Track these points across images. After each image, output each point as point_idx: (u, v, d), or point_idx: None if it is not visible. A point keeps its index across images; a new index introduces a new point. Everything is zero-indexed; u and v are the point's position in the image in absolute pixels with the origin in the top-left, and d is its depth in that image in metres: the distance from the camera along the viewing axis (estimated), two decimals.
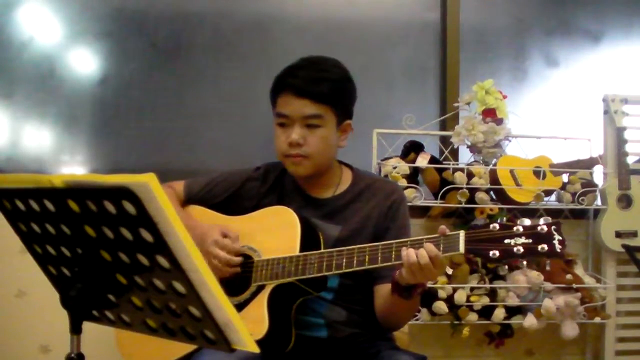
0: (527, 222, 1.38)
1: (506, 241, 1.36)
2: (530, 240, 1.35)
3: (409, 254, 1.40)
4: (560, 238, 1.35)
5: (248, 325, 1.50)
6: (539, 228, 1.35)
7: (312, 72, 1.64)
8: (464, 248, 1.37)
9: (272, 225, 1.65)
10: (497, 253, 1.36)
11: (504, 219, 1.40)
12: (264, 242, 1.63)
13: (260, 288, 1.58)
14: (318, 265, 1.52)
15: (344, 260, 1.50)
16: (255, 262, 1.61)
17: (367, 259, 1.48)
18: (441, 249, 1.40)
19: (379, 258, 1.47)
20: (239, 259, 1.61)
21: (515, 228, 1.36)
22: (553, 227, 1.35)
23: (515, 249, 1.35)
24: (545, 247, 1.34)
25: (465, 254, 1.41)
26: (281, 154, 1.69)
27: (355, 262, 1.49)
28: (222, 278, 1.64)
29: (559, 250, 1.34)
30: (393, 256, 1.45)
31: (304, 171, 1.68)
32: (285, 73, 1.67)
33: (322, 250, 1.55)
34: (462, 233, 1.38)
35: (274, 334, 1.51)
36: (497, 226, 1.38)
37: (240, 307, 1.58)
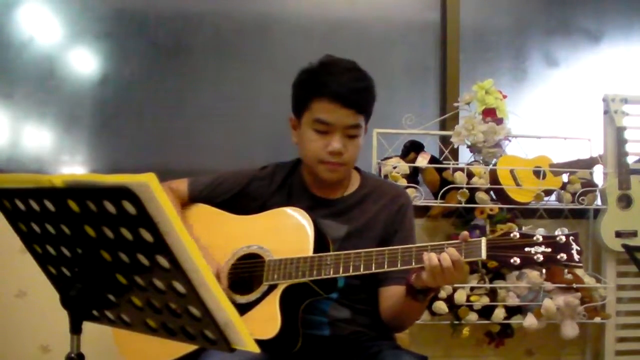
0: (542, 231, 1.42)
1: (527, 249, 1.41)
2: (550, 249, 1.40)
3: (431, 257, 1.42)
4: (578, 248, 1.40)
5: (259, 324, 1.51)
6: (557, 238, 1.40)
7: (356, 82, 1.64)
8: (486, 254, 1.41)
9: (283, 225, 1.65)
10: (518, 260, 1.41)
11: (522, 227, 1.44)
12: (275, 242, 1.63)
13: (272, 287, 1.58)
14: (335, 266, 1.52)
15: (362, 262, 1.51)
16: (267, 261, 1.61)
17: (386, 262, 1.49)
18: (463, 254, 1.42)
19: (399, 261, 1.48)
20: None
21: (535, 237, 1.41)
22: (571, 237, 1.40)
23: (535, 257, 1.40)
24: (565, 256, 1.39)
25: (486, 260, 1.45)
26: (316, 160, 1.67)
27: (373, 264, 1.50)
28: (231, 277, 1.64)
29: (577, 259, 1.39)
30: (414, 260, 1.46)
31: (339, 177, 1.71)
32: (326, 76, 1.64)
33: (338, 252, 1.56)
34: (483, 240, 1.42)
35: (284, 333, 1.52)
36: (517, 235, 1.42)
37: (250, 305, 1.58)
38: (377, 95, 1.71)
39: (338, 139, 1.63)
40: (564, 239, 1.40)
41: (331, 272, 1.52)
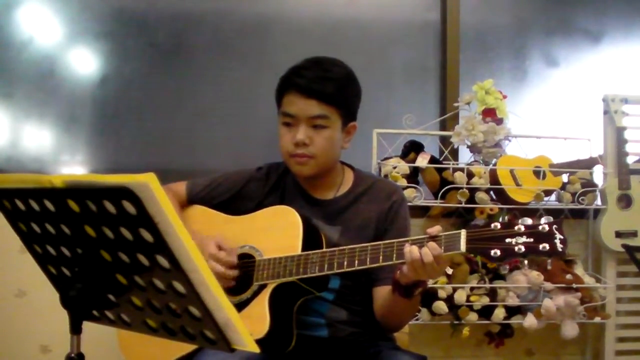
0: (528, 221, 1.37)
1: (507, 240, 1.36)
2: (532, 240, 1.34)
3: (412, 250, 1.40)
4: (562, 237, 1.34)
5: (249, 324, 1.50)
6: (540, 227, 1.35)
7: (319, 72, 1.63)
8: (465, 247, 1.37)
9: (273, 224, 1.65)
10: (498, 252, 1.35)
11: (506, 218, 1.40)
12: (266, 242, 1.63)
13: (262, 287, 1.58)
14: (320, 264, 1.52)
15: (346, 259, 1.50)
16: (257, 261, 1.61)
17: (368, 259, 1.48)
18: (442, 247, 1.40)
19: (380, 257, 1.47)
20: (234, 272, 1.62)
21: (516, 227, 1.36)
22: (554, 226, 1.34)
23: (516, 248, 1.35)
24: (547, 246, 1.33)
25: (467, 253, 1.40)
26: (286, 154, 1.68)
27: (356, 261, 1.49)
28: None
29: (560, 249, 1.33)
30: (395, 255, 1.45)
31: (308, 171, 1.68)
32: (291, 72, 1.67)
33: (323, 250, 1.55)
34: (463, 232, 1.38)
35: (275, 333, 1.51)
36: (498, 225, 1.37)
37: (241, 306, 1.58)
38: (359, 91, 1.70)
39: (302, 130, 1.63)
40: (546, 227, 1.34)
41: (317, 270, 1.52)
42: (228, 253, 1.63)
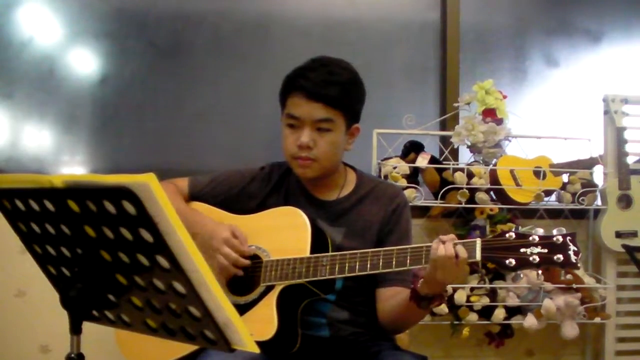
0: (540, 231, 1.39)
1: (522, 250, 1.38)
2: (546, 250, 1.36)
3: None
4: (576, 249, 1.36)
5: (256, 325, 1.51)
6: (554, 238, 1.37)
7: (325, 75, 1.61)
8: (480, 255, 1.38)
9: (281, 225, 1.65)
10: (513, 261, 1.37)
11: (519, 227, 1.41)
12: (273, 243, 1.63)
13: (269, 288, 1.58)
14: (330, 267, 1.52)
15: (357, 263, 1.51)
16: (264, 262, 1.61)
17: (380, 263, 1.49)
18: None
19: (394, 262, 1.48)
20: (247, 262, 1.61)
21: (531, 238, 1.38)
22: (568, 237, 1.37)
23: (531, 258, 1.36)
24: (561, 257, 1.35)
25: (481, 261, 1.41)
26: (289, 156, 1.68)
27: (369, 265, 1.50)
28: (227, 278, 1.64)
29: (574, 260, 1.35)
30: (409, 261, 1.46)
31: (312, 174, 1.68)
32: (296, 74, 1.65)
33: (334, 253, 1.55)
34: (478, 241, 1.40)
35: (282, 334, 1.52)
36: (513, 235, 1.39)
37: (247, 307, 1.58)
38: (364, 94, 1.70)
39: (307, 133, 1.62)
40: (560, 239, 1.36)
41: (327, 273, 1.52)
42: (241, 241, 1.62)
